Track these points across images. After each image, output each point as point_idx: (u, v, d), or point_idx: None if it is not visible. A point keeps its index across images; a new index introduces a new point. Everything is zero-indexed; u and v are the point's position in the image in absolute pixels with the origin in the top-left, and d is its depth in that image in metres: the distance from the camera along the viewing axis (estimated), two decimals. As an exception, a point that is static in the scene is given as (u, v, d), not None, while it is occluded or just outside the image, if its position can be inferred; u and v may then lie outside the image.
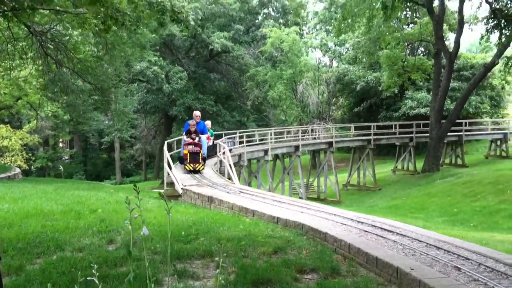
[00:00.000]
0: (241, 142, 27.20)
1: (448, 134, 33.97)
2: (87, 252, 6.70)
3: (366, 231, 7.98)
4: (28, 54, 19.79)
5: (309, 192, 33.43)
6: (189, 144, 16.58)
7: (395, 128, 36.82)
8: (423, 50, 47.01)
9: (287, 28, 46.44)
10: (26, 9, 13.92)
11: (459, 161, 35.86)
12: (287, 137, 33.64)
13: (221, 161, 18.92)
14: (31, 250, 6.73)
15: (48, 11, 17.80)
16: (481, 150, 41.89)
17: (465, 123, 37.07)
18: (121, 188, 27.29)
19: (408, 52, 41.80)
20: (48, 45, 19.77)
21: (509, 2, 20.93)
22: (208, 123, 20.95)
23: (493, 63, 31.22)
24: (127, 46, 26.78)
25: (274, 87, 45.31)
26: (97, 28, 19.60)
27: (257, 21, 52.30)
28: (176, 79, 41.22)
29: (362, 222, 8.67)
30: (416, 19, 40.18)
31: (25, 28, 17.18)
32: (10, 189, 13.87)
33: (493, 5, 23.42)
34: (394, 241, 7.30)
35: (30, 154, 37.76)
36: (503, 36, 25.87)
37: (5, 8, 11.55)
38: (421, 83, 42.76)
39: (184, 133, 17.55)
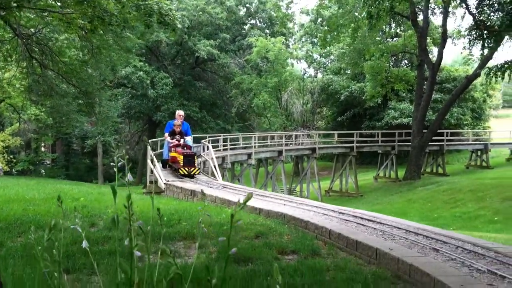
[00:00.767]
0: (225, 146, 27.25)
1: (430, 143, 34.49)
2: (69, 233, 6.71)
3: (347, 220, 8.10)
4: (13, 56, 19.73)
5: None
6: (177, 146, 15.41)
7: (378, 136, 37.22)
8: (406, 62, 47.62)
9: (273, 38, 46.80)
10: (12, 8, 13.95)
11: (440, 170, 36.31)
12: (271, 142, 33.79)
13: (204, 162, 18.94)
14: (12, 230, 6.74)
15: (34, 14, 17.81)
16: (462, 160, 42.49)
17: (447, 133, 37.62)
18: (103, 187, 27.22)
19: (392, 63, 42.35)
20: (33, 48, 19.73)
21: (492, 14, 21.36)
22: None
23: (475, 75, 31.80)
24: (113, 50, 26.78)
25: (259, 95, 45.51)
26: (83, 31, 19.66)
27: (243, 31, 52.65)
28: (161, 85, 41.25)
29: (343, 213, 8.80)
30: (400, 32, 40.81)
31: (11, 30, 17.14)
32: (-9, 183, 13.83)
33: (476, 17, 23.86)
34: (374, 228, 7.42)
35: (11, 157, 37.36)
36: (485, 47, 26.34)
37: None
38: (404, 94, 43.27)
39: (166, 134, 16.34)
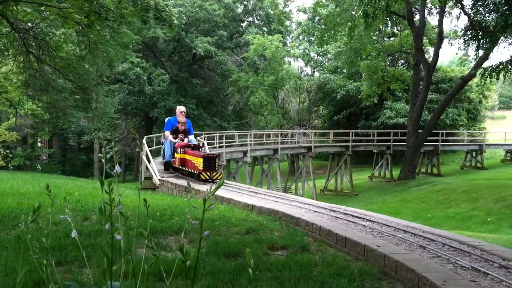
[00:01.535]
0: (220, 143, 27.34)
1: (425, 143, 34.66)
2: (62, 226, 6.79)
3: (337, 217, 8.20)
4: (10, 51, 19.75)
5: (286, 196, 33.64)
6: (186, 146, 13.52)
7: (373, 136, 37.38)
8: (403, 62, 47.78)
9: (271, 36, 46.89)
10: (9, 2, 13.98)
11: (435, 170, 36.47)
12: (266, 140, 33.88)
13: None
14: (6, 223, 6.81)
15: (31, 8, 17.85)
16: (457, 161, 42.66)
17: (442, 133, 37.78)
18: (98, 182, 27.17)
19: (388, 63, 42.50)
20: (30, 42, 19.76)
21: (487, 14, 21.45)
22: None
23: (470, 75, 31.95)
24: (110, 46, 26.81)
25: (256, 93, 45.62)
26: (80, 26, 19.70)
27: (241, 28, 52.71)
28: (158, 81, 41.32)
29: (334, 211, 8.90)
30: (397, 31, 40.96)
31: (8, 25, 17.16)
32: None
33: (471, 17, 23.96)
34: (364, 226, 7.52)
35: (8, 152, 37.36)
36: (480, 48, 26.46)
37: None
38: (400, 94, 43.39)
39: (167, 132, 14.50)
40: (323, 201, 31.43)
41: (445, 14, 33.35)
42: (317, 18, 47.77)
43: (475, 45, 25.62)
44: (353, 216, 8.34)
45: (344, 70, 47.50)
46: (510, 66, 24.65)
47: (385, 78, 37.68)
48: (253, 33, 47.25)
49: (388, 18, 36.77)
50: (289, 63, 53.57)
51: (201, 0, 45.25)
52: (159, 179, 13.44)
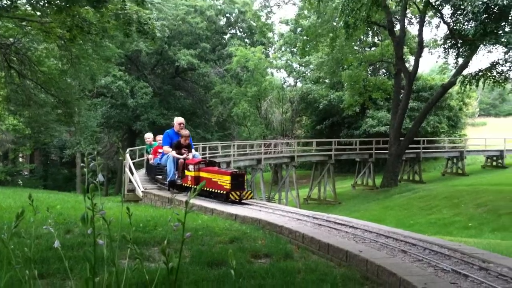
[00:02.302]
0: (203, 155, 27.33)
1: (407, 151, 35.00)
2: (44, 239, 6.76)
3: (320, 225, 8.26)
4: (-9, 66, 19.63)
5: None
6: (200, 162, 11.95)
7: (356, 144, 37.68)
8: (384, 71, 48.32)
9: (253, 47, 47.16)
10: (-9, 16, 13.94)
11: (417, 177, 36.81)
12: (250, 150, 33.95)
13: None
14: (-13, 237, 6.74)
15: (13, 23, 17.78)
16: (438, 168, 43.10)
17: (423, 141, 38.21)
18: (80, 195, 26.96)
19: (369, 72, 42.97)
20: (12, 57, 19.66)
21: (466, 23, 21.84)
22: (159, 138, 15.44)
23: (450, 83, 32.41)
24: (92, 60, 26.75)
25: (239, 104, 45.76)
26: (62, 41, 19.65)
27: (223, 40, 52.96)
28: (141, 94, 41.26)
29: (317, 218, 8.96)
30: (378, 41, 41.45)
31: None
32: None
33: (451, 26, 24.37)
34: (346, 232, 7.59)
35: (-12, 167, 36.99)
36: (460, 56, 26.89)
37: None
38: (382, 103, 43.85)
39: (166, 147, 12.94)
40: (307, 210, 31.68)
41: (425, 23, 33.87)
42: (299, 29, 48.22)
43: (454, 53, 26.06)
44: (335, 223, 8.41)
45: (326, 80, 47.93)
46: (489, 74, 25.15)
47: (367, 88, 38.06)
48: (235, 45, 47.52)
49: (369, 28, 37.24)
50: (272, 74, 53.93)
51: (183, 13, 45.39)
52: (142, 191, 13.41)
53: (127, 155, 15.90)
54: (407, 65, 37.31)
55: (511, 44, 18.15)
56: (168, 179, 12.58)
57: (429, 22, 35.32)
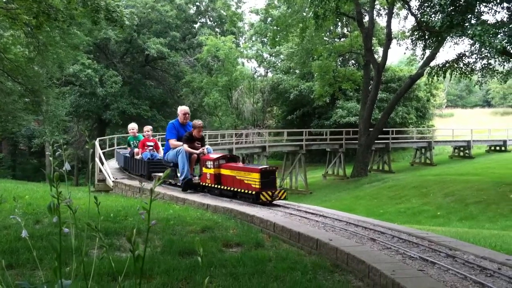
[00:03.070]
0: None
1: (376, 141, 35.46)
2: (13, 229, 6.64)
3: (291, 214, 8.32)
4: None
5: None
6: (222, 158, 10.36)
7: (326, 134, 38.00)
8: (353, 62, 48.72)
9: (224, 37, 46.96)
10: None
11: (386, 167, 37.37)
12: (221, 140, 33.90)
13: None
14: (-49, 228, 6.61)
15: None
16: (407, 158, 43.85)
17: (392, 131, 38.77)
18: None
19: (339, 63, 43.27)
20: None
21: (433, 15, 22.08)
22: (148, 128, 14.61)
23: (418, 75, 32.91)
24: (60, 47, 26.29)
25: (210, 94, 45.58)
26: (29, 28, 19.22)
27: (193, 29, 52.56)
28: (110, 83, 40.69)
29: (288, 207, 9.02)
30: (347, 32, 41.74)
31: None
32: None
33: (418, 18, 24.64)
34: (317, 221, 7.66)
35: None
36: (427, 48, 27.23)
37: None
38: (351, 93, 44.27)
39: (173, 140, 11.13)
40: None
41: (393, 15, 34.24)
42: (269, 19, 48.22)
43: (422, 45, 26.37)
44: (306, 212, 8.48)
45: (297, 71, 48.13)
46: (456, 65, 25.56)
47: (337, 78, 38.36)
48: (206, 34, 47.23)
49: (338, 19, 37.52)
50: (243, 64, 53.85)
51: (153, 1, 44.85)
52: (112, 181, 13.28)
53: (97, 144, 15.75)
54: (376, 56, 37.72)
55: (477, 37, 18.42)
56: (182, 178, 10.80)
57: (397, 14, 35.70)
